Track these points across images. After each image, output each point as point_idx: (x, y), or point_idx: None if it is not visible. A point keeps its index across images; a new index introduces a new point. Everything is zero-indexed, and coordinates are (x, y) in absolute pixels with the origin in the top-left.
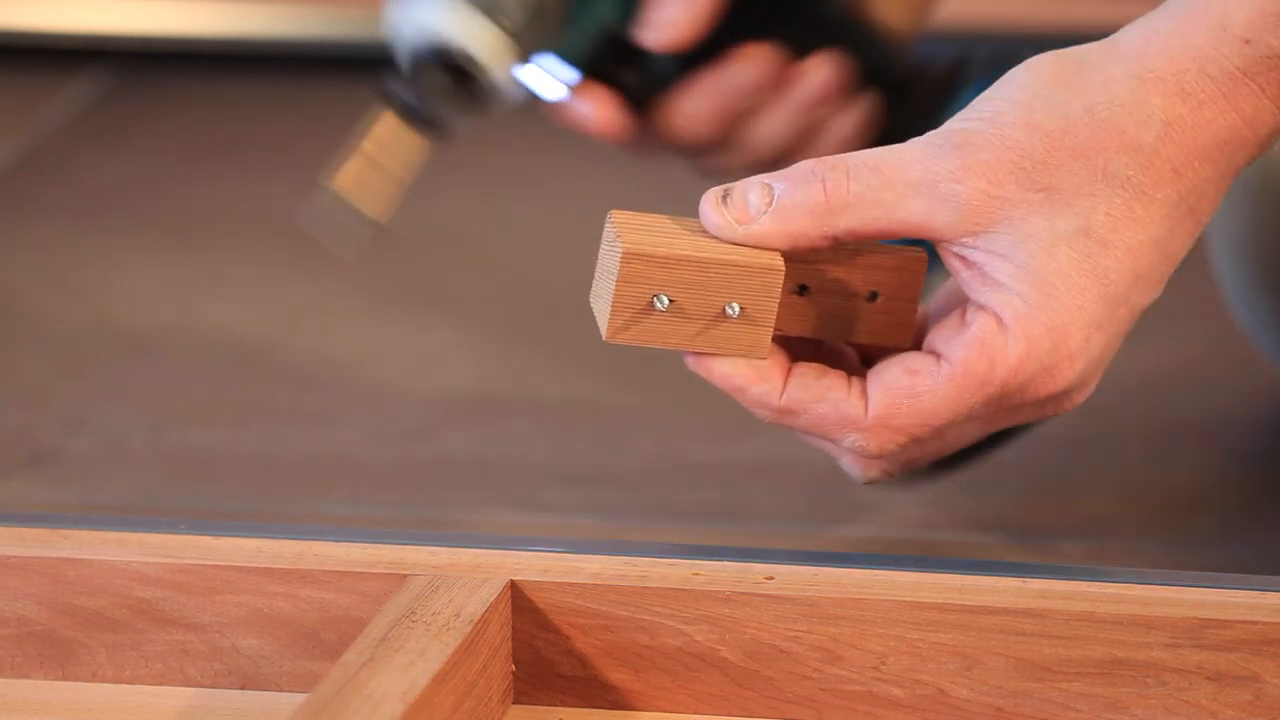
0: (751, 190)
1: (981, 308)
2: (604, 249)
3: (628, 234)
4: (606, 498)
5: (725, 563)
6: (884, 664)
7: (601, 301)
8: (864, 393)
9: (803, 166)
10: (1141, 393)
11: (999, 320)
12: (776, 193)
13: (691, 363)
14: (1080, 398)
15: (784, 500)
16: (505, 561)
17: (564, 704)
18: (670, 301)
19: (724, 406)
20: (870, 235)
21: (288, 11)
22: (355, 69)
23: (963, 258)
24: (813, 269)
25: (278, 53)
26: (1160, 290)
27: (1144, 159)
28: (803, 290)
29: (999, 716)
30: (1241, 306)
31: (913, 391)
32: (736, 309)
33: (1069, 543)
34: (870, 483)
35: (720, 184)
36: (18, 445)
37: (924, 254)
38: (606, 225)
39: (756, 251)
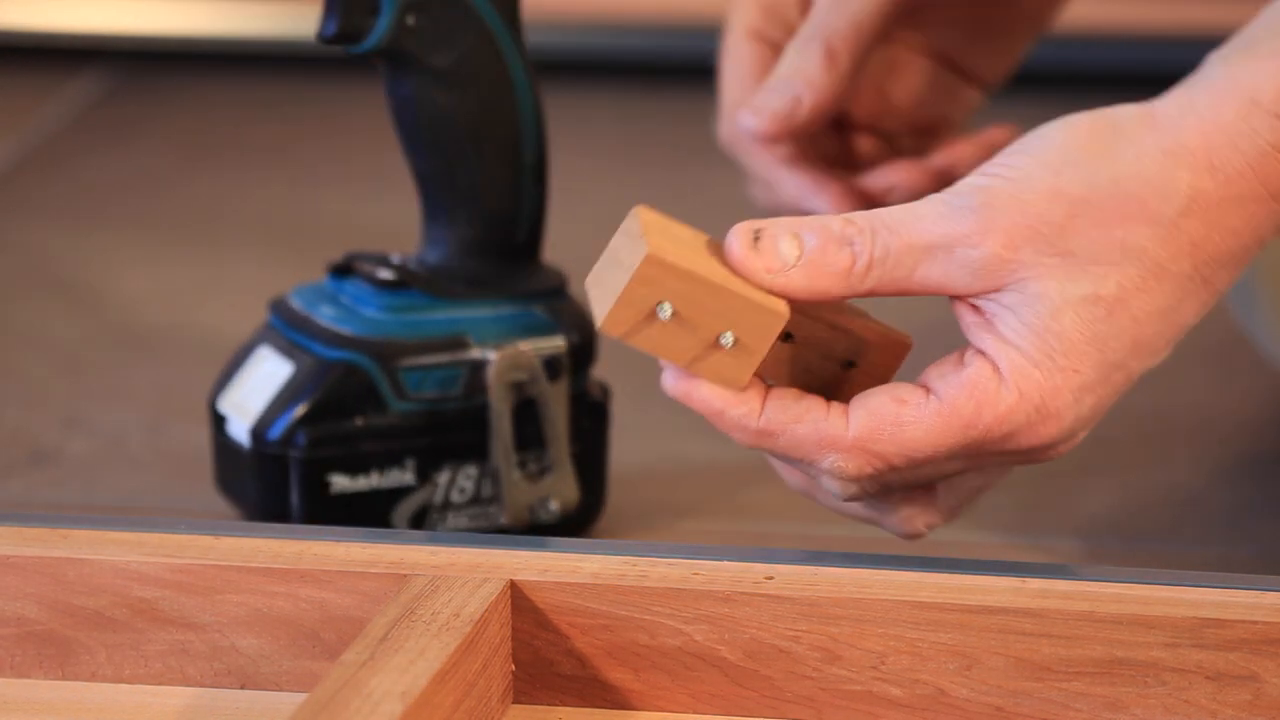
0: (783, 240)
1: (981, 353)
2: (620, 240)
3: (654, 237)
4: (607, 497)
5: (725, 562)
6: (883, 663)
7: (604, 291)
8: (844, 414)
9: (833, 226)
10: (1141, 392)
11: (996, 369)
12: (806, 248)
13: (671, 382)
14: (1064, 449)
15: (784, 500)
16: (505, 561)
17: (564, 704)
18: (673, 313)
19: None
20: (890, 294)
21: (288, 11)
22: (355, 69)
23: (973, 306)
24: (804, 320)
25: (278, 53)
26: (1163, 356)
27: (1164, 232)
28: (787, 338)
29: (999, 716)
30: (1241, 307)
31: (897, 419)
32: (730, 339)
33: (1069, 543)
34: (850, 499)
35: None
36: (18, 445)
37: (909, 342)
38: (630, 218)
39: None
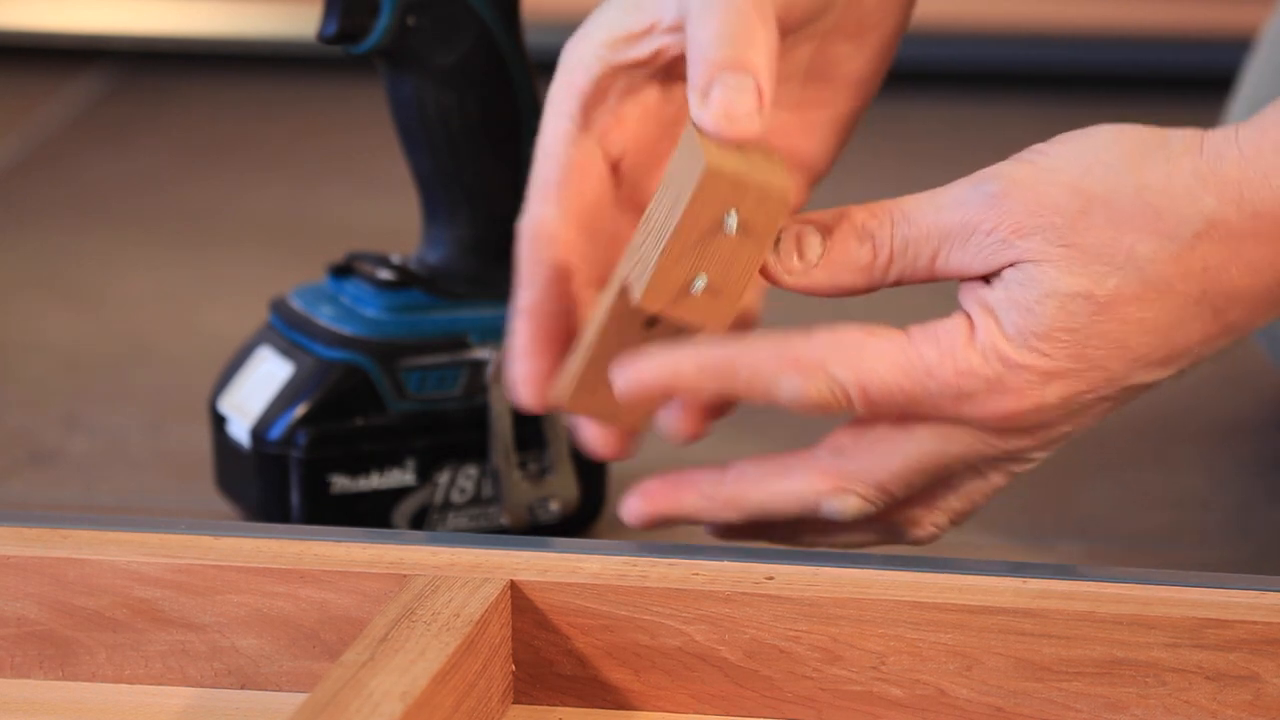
0: (805, 238)
1: (964, 313)
2: (757, 155)
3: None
4: (607, 497)
5: (725, 563)
6: (884, 664)
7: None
8: (804, 333)
9: (856, 217)
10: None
11: (971, 328)
12: (828, 245)
13: (622, 377)
14: (1038, 442)
15: None
16: (505, 561)
17: (564, 704)
18: (737, 226)
19: None
20: (915, 282)
21: (288, 11)
22: (355, 69)
23: (975, 273)
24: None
25: (278, 53)
26: (1160, 374)
27: (1175, 249)
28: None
29: (999, 716)
30: None
31: (860, 343)
32: (702, 284)
33: (1069, 543)
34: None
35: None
36: (18, 445)
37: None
38: (773, 154)
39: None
